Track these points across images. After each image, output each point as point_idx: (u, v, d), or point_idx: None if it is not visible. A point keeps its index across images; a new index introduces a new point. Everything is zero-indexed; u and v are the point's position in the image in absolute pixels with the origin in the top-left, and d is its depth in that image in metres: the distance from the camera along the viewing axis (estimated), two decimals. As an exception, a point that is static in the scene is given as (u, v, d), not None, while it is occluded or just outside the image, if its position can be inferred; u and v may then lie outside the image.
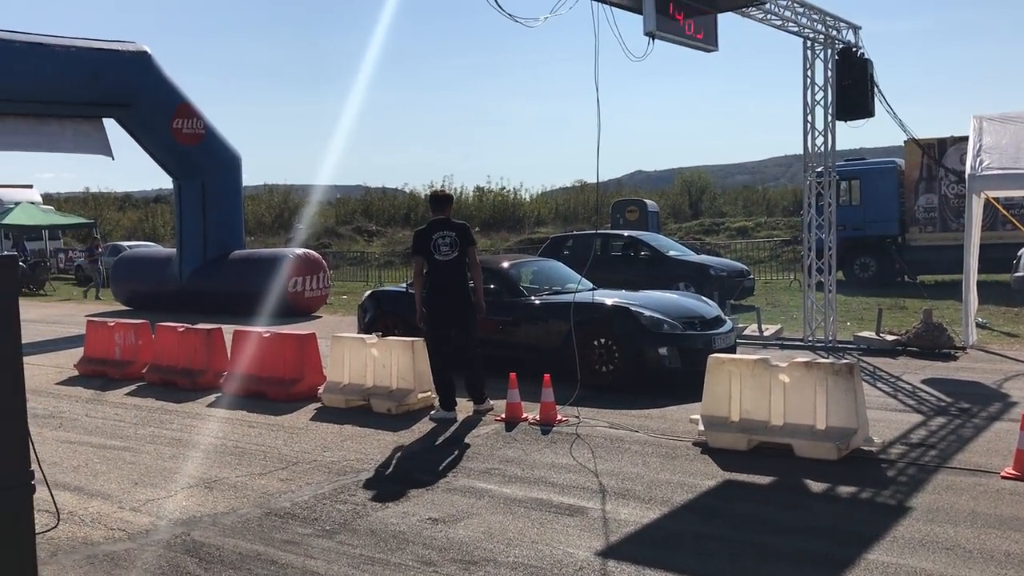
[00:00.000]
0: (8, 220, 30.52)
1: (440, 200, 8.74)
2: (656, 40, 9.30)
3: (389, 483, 6.54)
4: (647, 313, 9.47)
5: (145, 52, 18.50)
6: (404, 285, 11.82)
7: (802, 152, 12.59)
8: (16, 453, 3.70)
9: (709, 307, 10.43)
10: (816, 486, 6.09)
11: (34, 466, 3.90)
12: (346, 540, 5.32)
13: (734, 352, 9.52)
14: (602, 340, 9.47)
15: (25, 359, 13.27)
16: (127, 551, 5.23)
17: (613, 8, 8.82)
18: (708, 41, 10.19)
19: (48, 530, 5.20)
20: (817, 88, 12.28)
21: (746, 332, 12.93)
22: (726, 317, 10.55)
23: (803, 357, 7.19)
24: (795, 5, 11.33)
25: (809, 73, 12.29)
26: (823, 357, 11.00)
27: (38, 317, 20.08)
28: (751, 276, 19.20)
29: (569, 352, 9.06)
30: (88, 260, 27.95)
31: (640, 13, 9.13)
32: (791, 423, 6.80)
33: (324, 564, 4.95)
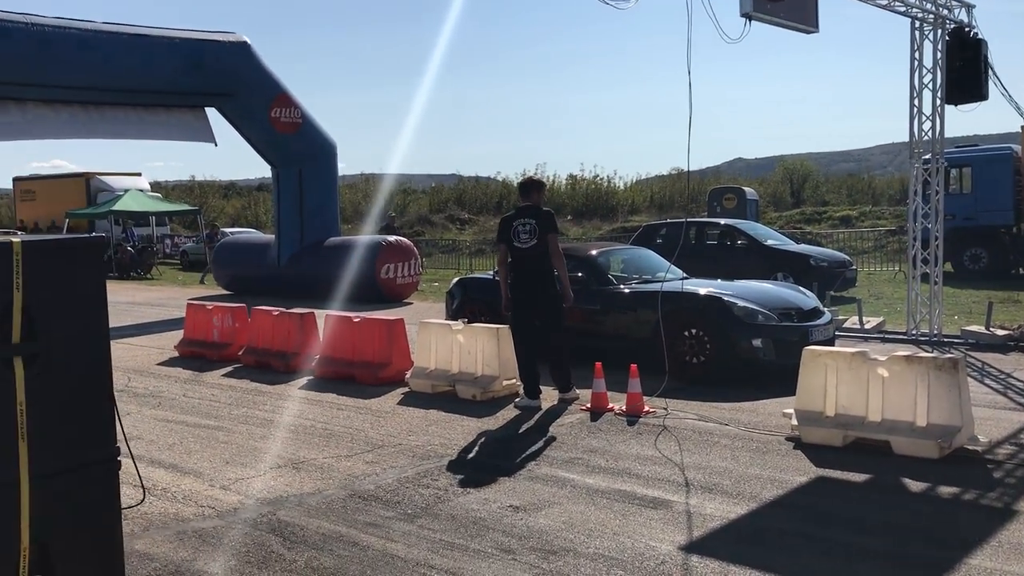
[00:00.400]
0: (117, 206, 31.87)
1: (527, 187, 8.65)
2: (752, 21, 8.99)
3: (472, 469, 6.52)
4: (740, 303, 9.20)
5: (245, 42, 18.95)
6: (492, 273, 11.82)
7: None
8: (102, 430, 3.78)
9: (807, 298, 10.08)
10: (915, 485, 5.80)
11: (123, 443, 3.99)
12: (427, 524, 5.32)
13: (832, 345, 9.18)
14: (693, 330, 9.24)
15: (130, 340, 13.62)
16: (215, 528, 5.35)
17: (707, -12, 8.56)
18: (808, 22, 9.80)
19: (136, 504, 5.35)
20: (925, 71, 11.70)
21: (846, 324, 12.49)
22: (824, 308, 10.18)
23: (905, 351, 6.86)
24: (902, -17, 10.83)
25: (917, 55, 11.71)
26: (927, 351, 10.51)
27: (144, 300, 20.88)
28: (853, 267, 18.54)
29: (658, 342, 8.87)
30: (207, 246, 28.82)
31: (736, -7, 8.85)
32: (889, 419, 6.49)
33: (404, 547, 4.96)
